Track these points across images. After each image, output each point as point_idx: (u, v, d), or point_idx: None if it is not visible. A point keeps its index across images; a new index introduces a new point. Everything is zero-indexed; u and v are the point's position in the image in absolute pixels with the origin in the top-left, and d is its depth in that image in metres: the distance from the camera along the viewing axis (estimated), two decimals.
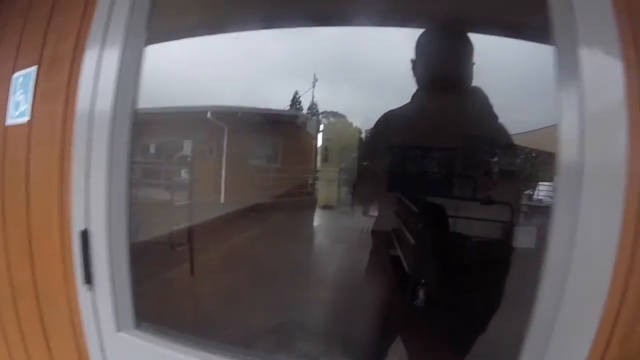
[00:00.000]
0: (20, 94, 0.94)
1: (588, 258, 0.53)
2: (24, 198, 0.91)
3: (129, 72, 0.82)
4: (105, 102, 0.78)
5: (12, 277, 1.02)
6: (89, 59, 0.81)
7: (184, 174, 2.43)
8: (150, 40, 0.91)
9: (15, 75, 0.97)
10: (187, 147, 2.57)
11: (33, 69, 0.93)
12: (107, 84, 0.79)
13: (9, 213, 0.96)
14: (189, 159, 2.49)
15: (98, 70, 0.79)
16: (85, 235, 0.77)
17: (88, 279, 0.78)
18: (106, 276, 0.79)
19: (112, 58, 0.80)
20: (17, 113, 0.94)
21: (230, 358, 0.75)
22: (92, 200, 0.77)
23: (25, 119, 0.91)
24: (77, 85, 0.80)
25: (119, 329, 0.82)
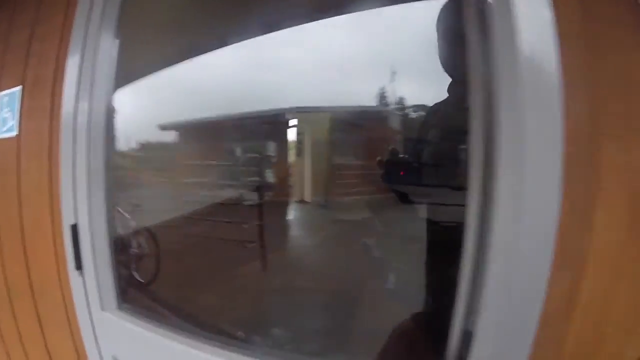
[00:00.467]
0: (7, 111, 1.08)
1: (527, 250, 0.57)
2: (16, 203, 1.05)
3: (103, 90, 0.97)
4: (84, 118, 0.93)
5: (7, 277, 1.15)
6: (69, 80, 0.96)
7: (267, 174, 2.54)
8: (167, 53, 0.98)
9: (1, 94, 1.10)
10: (270, 149, 2.68)
11: (18, 89, 1.06)
12: (85, 102, 0.94)
13: (1, 219, 1.10)
14: (271, 160, 2.60)
15: (78, 89, 0.94)
16: (75, 229, 0.92)
17: (79, 265, 0.93)
18: (92, 263, 0.95)
19: (88, 78, 0.95)
20: (5, 128, 1.07)
21: (193, 340, 0.85)
22: (79, 200, 0.92)
23: (14, 133, 1.05)
24: (61, 104, 0.95)
25: (103, 309, 0.97)
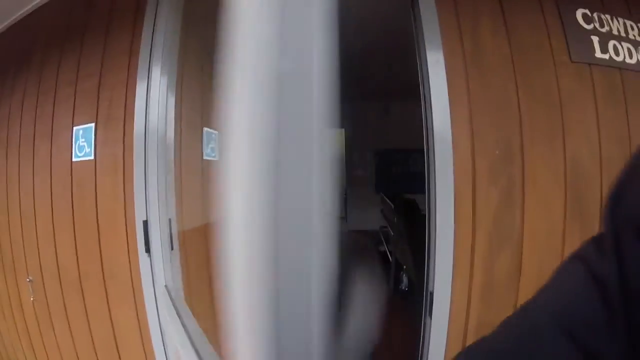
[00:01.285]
0: (83, 141, 1.45)
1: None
2: (92, 208, 1.41)
3: (161, 123, 1.37)
4: (149, 146, 1.33)
5: (80, 265, 1.50)
6: (138, 118, 1.35)
7: None
8: None
9: (76, 128, 1.48)
10: None
11: (91, 125, 1.44)
12: (148, 134, 1.34)
13: (77, 218, 1.46)
14: None
15: (145, 125, 1.34)
16: (145, 223, 1.30)
17: (148, 249, 1.31)
18: (154, 248, 1.33)
19: (151, 116, 1.35)
20: (82, 153, 1.44)
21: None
22: (148, 203, 1.31)
23: (90, 157, 1.42)
24: (132, 135, 1.34)
25: (165, 283, 1.35)
